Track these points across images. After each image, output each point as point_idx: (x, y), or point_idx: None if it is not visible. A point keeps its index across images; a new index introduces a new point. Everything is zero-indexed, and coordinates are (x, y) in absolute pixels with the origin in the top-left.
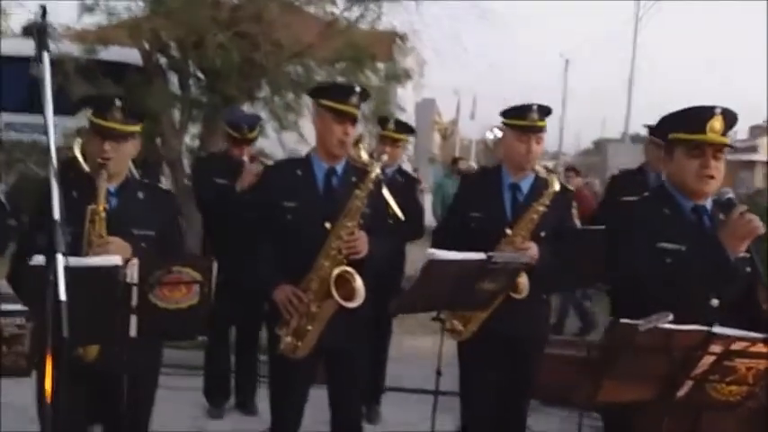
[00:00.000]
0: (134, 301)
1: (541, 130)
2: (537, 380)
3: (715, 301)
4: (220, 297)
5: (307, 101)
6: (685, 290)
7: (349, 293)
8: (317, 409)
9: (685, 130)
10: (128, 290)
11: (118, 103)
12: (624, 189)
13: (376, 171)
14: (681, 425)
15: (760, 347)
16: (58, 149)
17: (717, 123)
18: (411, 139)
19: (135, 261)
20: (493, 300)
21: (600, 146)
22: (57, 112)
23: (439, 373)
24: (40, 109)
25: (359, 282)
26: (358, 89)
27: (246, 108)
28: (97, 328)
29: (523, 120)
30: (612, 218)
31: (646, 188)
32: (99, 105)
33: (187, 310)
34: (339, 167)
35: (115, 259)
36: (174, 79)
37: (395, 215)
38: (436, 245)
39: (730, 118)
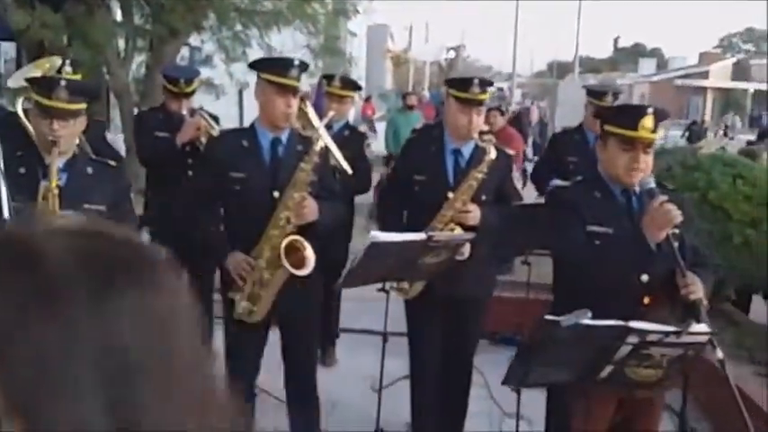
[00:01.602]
0: None
1: (482, 103)
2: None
3: (645, 277)
4: (168, 241)
5: (255, 32)
6: (614, 269)
7: (299, 261)
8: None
9: (619, 125)
10: None
11: (63, 82)
12: (564, 147)
13: (320, 144)
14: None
15: (672, 338)
16: None
17: (648, 121)
18: (356, 96)
19: None
20: (436, 271)
21: (552, 68)
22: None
23: (385, 339)
24: None
25: (309, 250)
26: (297, 62)
27: (193, 39)
28: None
29: (465, 92)
30: (548, 202)
31: (585, 147)
32: (44, 86)
33: None
34: (284, 137)
35: None
36: (116, 8)
37: (342, 170)
38: (383, 203)
39: (661, 116)
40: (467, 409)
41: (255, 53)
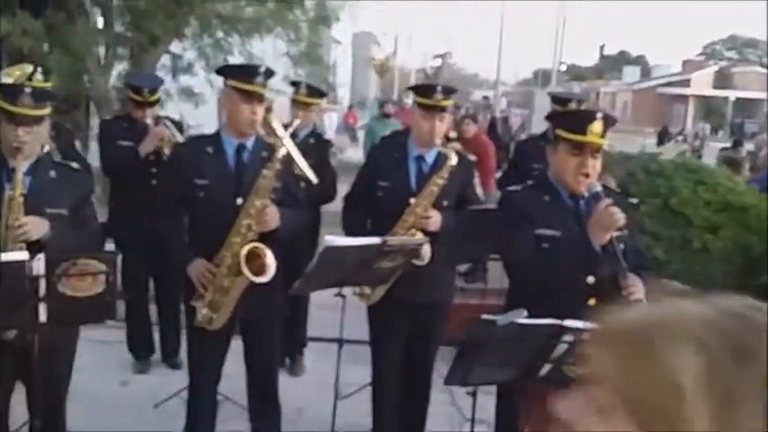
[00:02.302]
0: (42, 292)
1: (444, 109)
2: (446, 329)
3: (590, 279)
4: (132, 251)
5: (236, 39)
6: (560, 271)
7: (260, 268)
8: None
9: (569, 129)
10: (35, 281)
11: (27, 89)
12: (529, 154)
13: (283, 151)
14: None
15: None
16: None
17: (597, 126)
18: (323, 102)
19: (41, 256)
20: (391, 275)
21: (538, 76)
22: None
23: (340, 345)
24: None
25: (270, 257)
26: (262, 69)
27: (174, 47)
28: (10, 315)
29: (429, 99)
30: (499, 206)
31: None
32: (9, 92)
33: (95, 296)
34: (249, 143)
35: (22, 255)
36: (97, 16)
37: (307, 179)
38: (347, 210)
39: (610, 121)
40: (427, 414)
41: (236, 61)
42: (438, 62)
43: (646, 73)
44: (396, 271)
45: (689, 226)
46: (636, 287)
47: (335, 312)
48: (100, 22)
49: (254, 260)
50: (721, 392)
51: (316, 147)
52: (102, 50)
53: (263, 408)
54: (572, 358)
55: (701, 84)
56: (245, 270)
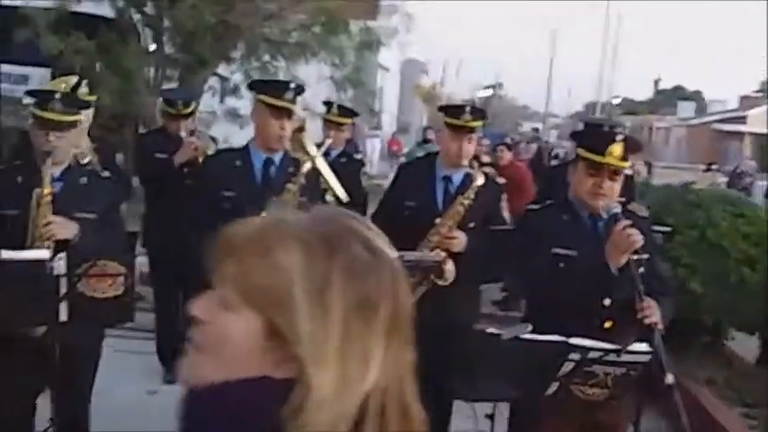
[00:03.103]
0: (63, 290)
1: (473, 130)
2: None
3: (607, 301)
4: (164, 263)
5: (282, 63)
6: (576, 291)
7: None
8: None
9: (588, 149)
10: (56, 281)
11: (58, 95)
12: (562, 180)
13: (307, 166)
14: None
15: (613, 356)
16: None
17: (617, 148)
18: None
19: (62, 255)
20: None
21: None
22: (29, 63)
23: None
24: (12, 58)
25: None
26: (293, 85)
27: (222, 69)
28: (31, 313)
29: (457, 119)
30: (517, 226)
31: None
32: (40, 98)
33: (114, 298)
34: (277, 158)
35: (43, 253)
36: (147, 35)
37: (338, 197)
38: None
39: (631, 145)
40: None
41: None
42: (488, 92)
43: (701, 108)
44: (413, 288)
45: (726, 259)
46: (651, 310)
47: None
48: (151, 44)
49: None
50: (318, 278)
51: (347, 166)
52: (152, 71)
53: None
54: (580, 378)
55: (758, 121)
56: None
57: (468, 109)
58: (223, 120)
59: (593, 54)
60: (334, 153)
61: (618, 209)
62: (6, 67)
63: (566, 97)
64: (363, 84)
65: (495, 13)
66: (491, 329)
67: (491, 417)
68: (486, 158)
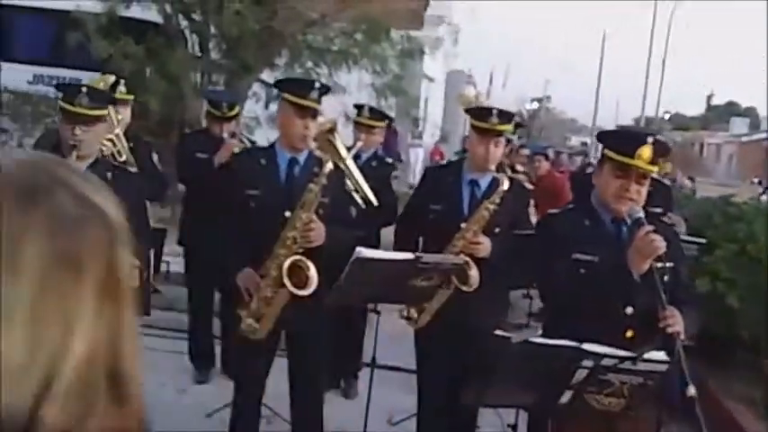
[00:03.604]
0: None
1: (500, 134)
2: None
3: (629, 309)
4: (200, 263)
5: (324, 70)
6: (597, 298)
7: (302, 281)
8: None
9: (616, 150)
10: None
11: (84, 89)
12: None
13: (330, 165)
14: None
15: (628, 364)
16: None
17: (646, 151)
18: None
19: None
20: (429, 296)
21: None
22: (80, 67)
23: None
24: (64, 62)
25: (312, 270)
26: (317, 84)
27: (267, 76)
28: None
29: (484, 122)
30: (537, 230)
31: None
32: (68, 92)
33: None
34: (301, 158)
35: None
36: (193, 41)
37: (368, 200)
38: (398, 233)
39: (661, 148)
40: None
41: None
42: (535, 105)
43: (755, 125)
44: (432, 292)
45: (766, 273)
46: (674, 319)
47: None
48: (197, 50)
49: (298, 273)
50: (13, 231)
51: (378, 169)
52: (197, 76)
53: (305, 425)
54: (595, 386)
55: None
56: (287, 282)
57: (495, 111)
58: (265, 125)
59: (642, 68)
60: (365, 156)
61: (641, 213)
62: (59, 71)
63: (614, 111)
64: (405, 92)
65: (544, 24)
66: (500, 332)
67: (514, 427)
68: (520, 168)
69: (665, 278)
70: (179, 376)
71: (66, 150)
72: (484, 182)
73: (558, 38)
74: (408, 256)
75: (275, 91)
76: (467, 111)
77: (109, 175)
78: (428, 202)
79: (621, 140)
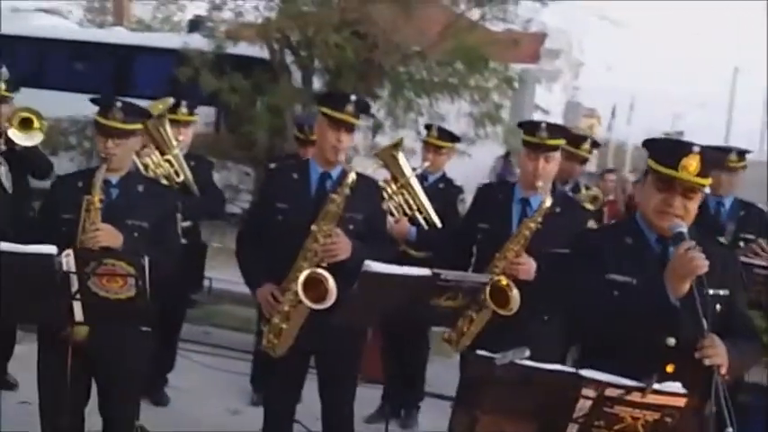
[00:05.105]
0: (74, 288)
1: (550, 149)
2: None
3: (671, 341)
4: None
5: (425, 100)
6: (633, 325)
7: (322, 295)
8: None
9: (659, 160)
10: (66, 277)
11: (118, 104)
12: None
13: (352, 177)
14: None
15: (637, 396)
16: None
17: (692, 162)
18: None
19: (69, 252)
20: (456, 316)
21: None
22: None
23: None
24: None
25: (331, 283)
26: (354, 98)
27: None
28: (41, 310)
29: (532, 137)
30: (572, 247)
31: (704, 213)
32: (103, 106)
33: (127, 300)
34: (334, 172)
35: (49, 248)
36: (297, 75)
37: (432, 222)
38: (447, 252)
39: (711, 158)
40: None
41: (423, 120)
42: None
43: None
44: (459, 312)
45: None
46: (714, 350)
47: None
48: (300, 83)
49: (316, 287)
50: None
51: (444, 192)
52: (300, 108)
53: None
54: (603, 420)
55: None
56: (302, 295)
57: (544, 125)
58: (363, 155)
59: None
60: (432, 178)
61: (683, 228)
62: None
63: (746, 146)
64: (501, 121)
65: (671, 54)
66: (482, 352)
67: None
68: (611, 196)
69: (717, 308)
70: (234, 396)
71: (99, 162)
72: (535, 200)
73: (686, 71)
74: (425, 272)
75: (373, 122)
76: (519, 125)
77: (140, 188)
78: (477, 220)
79: (665, 150)
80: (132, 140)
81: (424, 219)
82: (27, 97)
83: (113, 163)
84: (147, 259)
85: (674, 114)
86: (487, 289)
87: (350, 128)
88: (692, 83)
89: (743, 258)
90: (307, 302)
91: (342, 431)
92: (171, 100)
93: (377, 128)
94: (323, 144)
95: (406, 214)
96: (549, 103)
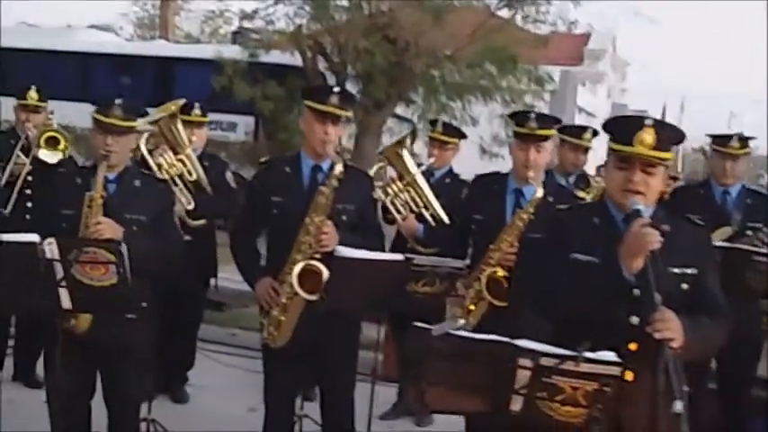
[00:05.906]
0: (59, 275)
1: (540, 138)
2: None
3: (635, 319)
4: None
5: (458, 103)
6: (595, 305)
7: (317, 286)
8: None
9: (615, 139)
10: (50, 265)
11: (118, 101)
12: (686, 203)
13: (339, 168)
14: None
15: (571, 365)
16: None
17: (647, 136)
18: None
19: (52, 240)
20: (435, 302)
21: None
22: (227, 110)
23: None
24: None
25: (326, 275)
26: (337, 89)
27: (401, 110)
28: (29, 298)
29: (522, 127)
30: (543, 227)
31: (709, 202)
32: (102, 104)
33: (110, 287)
34: (325, 165)
35: (32, 236)
36: (332, 81)
37: (439, 218)
38: (439, 243)
39: (667, 131)
40: None
41: (457, 123)
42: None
43: None
44: (438, 298)
45: None
46: (665, 324)
47: None
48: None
49: (312, 278)
50: None
51: (450, 187)
52: None
53: None
54: (545, 392)
55: None
56: (297, 287)
57: (533, 115)
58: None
59: None
60: (438, 173)
61: (640, 205)
62: (216, 116)
63: None
64: None
65: (723, 56)
66: (419, 324)
67: None
68: None
69: (684, 287)
70: (252, 395)
71: (97, 159)
72: (528, 191)
73: (739, 69)
74: (397, 256)
75: (407, 126)
76: (509, 116)
77: (137, 183)
78: (471, 212)
79: (619, 127)
80: (130, 137)
81: (432, 215)
82: (73, 111)
83: (112, 159)
84: (125, 246)
85: (730, 113)
86: (484, 281)
87: (335, 119)
88: (746, 80)
89: (748, 246)
90: (302, 294)
91: (341, 422)
92: (182, 100)
93: (414, 134)
94: (311, 137)
95: (413, 212)
96: (593, 106)
